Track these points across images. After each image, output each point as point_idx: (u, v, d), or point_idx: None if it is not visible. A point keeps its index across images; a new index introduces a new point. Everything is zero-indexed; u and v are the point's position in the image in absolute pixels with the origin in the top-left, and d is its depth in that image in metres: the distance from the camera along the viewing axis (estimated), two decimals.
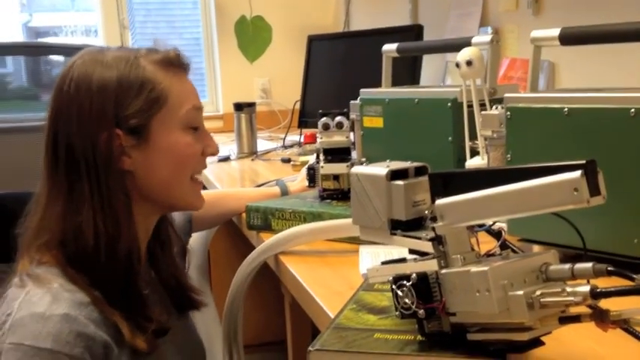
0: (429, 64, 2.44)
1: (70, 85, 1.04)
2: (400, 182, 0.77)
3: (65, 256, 1.00)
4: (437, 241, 0.72)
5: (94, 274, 0.99)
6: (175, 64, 1.10)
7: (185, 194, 1.12)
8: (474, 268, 0.67)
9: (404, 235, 0.77)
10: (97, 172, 1.02)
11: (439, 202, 0.72)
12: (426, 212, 0.75)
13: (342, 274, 1.11)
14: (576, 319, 0.64)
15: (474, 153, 1.33)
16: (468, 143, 1.34)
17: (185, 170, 1.10)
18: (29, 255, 1.02)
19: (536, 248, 1.07)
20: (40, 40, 4.12)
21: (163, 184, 1.08)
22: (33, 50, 2.93)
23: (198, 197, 1.15)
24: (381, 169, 0.78)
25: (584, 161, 0.62)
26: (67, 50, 2.58)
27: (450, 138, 1.40)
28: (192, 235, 1.77)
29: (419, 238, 0.75)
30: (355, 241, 1.22)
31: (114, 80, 1.03)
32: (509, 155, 1.10)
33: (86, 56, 1.06)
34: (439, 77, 2.53)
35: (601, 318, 0.63)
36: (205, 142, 1.13)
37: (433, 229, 0.72)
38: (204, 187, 2.23)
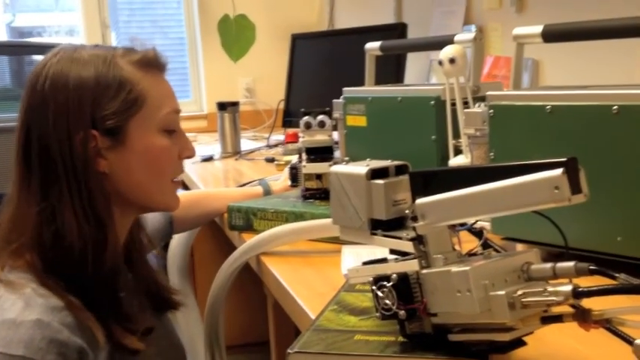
0: (414, 63, 2.44)
1: (44, 84, 1.01)
2: (380, 181, 0.76)
3: (41, 261, 0.97)
4: (418, 240, 0.71)
5: (74, 279, 0.97)
6: (154, 64, 1.08)
7: (165, 197, 1.10)
8: (454, 268, 0.66)
9: (384, 235, 0.75)
10: (76, 173, 0.99)
11: (420, 201, 0.70)
12: (407, 212, 0.74)
13: (324, 274, 1.10)
14: (558, 318, 0.64)
15: (458, 151, 1.32)
16: (451, 142, 1.33)
17: (163, 174, 1.08)
18: (1, 260, 0.99)
19: (519, 247, 1.06)
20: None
21: (140, 187, 1.06)
22: (16, 50, 2.89)
23: (175, 198, 1.13)
24: (360, 167, 0.77)
25: (565, 159, 0.61)
26: (51, 50, 2.55)
27: (433, 136, 1.39)
28: (174, 236, 1.76)
29: (399, 238, 0.73)
30: (338, 241, 1.20)
31: (91, 79, 1.01)
32: (492, 153, 1.09)
33: (61, 54, 1.04)
34: (423, 76, 2.53)
35: (583, 318, 0.62)
36: (182, 145, 1.11)
37: (414, 228, 0.71)
38: (187, 188, 2.22)
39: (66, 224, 0.98)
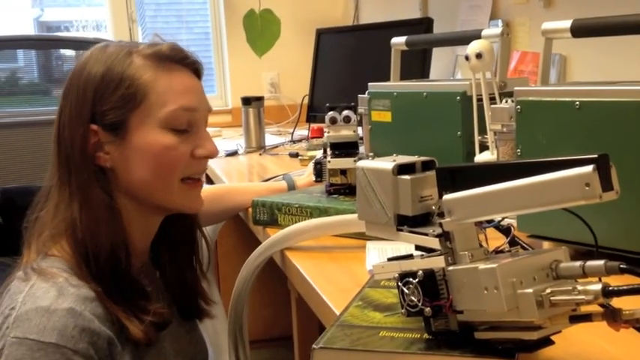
0: (439, 58, 2.42)
1: (70, 80, 1.05)
2: (407, 177, 0.75)
3: (71, 249, 1.00)
4: (444, 237, 0.71)
5: (90, 268, 0.99)
6: (169, 58, 1.05)
7: (174, 197, 1.07)
8: (482, 265, 0.65)
9: (410, 231, 0.75)
10: (78, 167, 1.02)
11: (447, 197, 0.70)
12: (433, 208, 0.74)
13: (348, 270, 1.10)
14: (587, 318, 0.63)
15: (484, 147, 1.31)
16: (477, 137, 1.32)
17: (169, 172, 1.05)
18: (36, 247, 1.01)
19: (545, 244, 1.05)
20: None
21: (145, 185, 1.05)
22: (44, 43, 2.92)
23: (192, 199, 1.10)
24: (387, 163, 0.77)
25: (596, 155, 0.60)
26: (78, 44, 2.57)
27: (459, 132, 1.38)
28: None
29: (426, 234, 0.73)
30: (362, 236, 1.20)
31: (99, 75, 1.02)
32: (519, 150, 1.08)
33: (92, 49, 1.06)
34: (449, 71, 2.51)
35: (613, 317, 0.61)
36: (197, 143, 1.07)
37: (440, 224, 0.70)
38: (211, 182, 2.22)
39: (72, 217, 1.00)
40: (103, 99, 1.02)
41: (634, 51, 1.66)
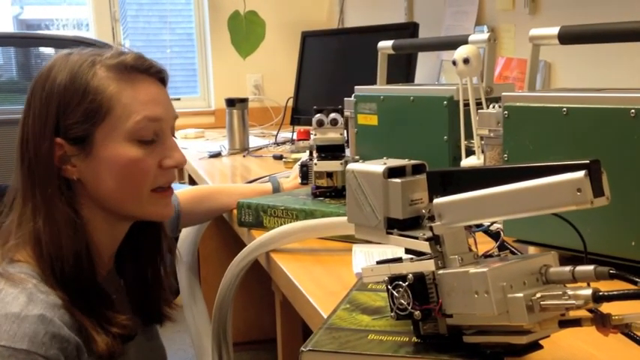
0: (424, 63, 2.43)
1: (33, 87, 1.03)
2: (397, 180, 0.75)
3: (36, 258, 0.99)
4: (434, 240, 0.71)
5: (56, 277, 0.98)
6: (132, 68, 1.04)
7: (144, 206, 1.07)
8: (472, 269, 0.65)
9: (400, 235, 0.75)
10: (42, 180, 1.01)
11: (437, 200, 0.70)
12: (424, 211, 0.73)
13: (335, 273, 1.09)
14: (577, 322, 0.63)
15: (470, 152, 1.31)
16: (463, 142, 1.33)
17: (137, 184, 1.05)
18: (1, 253, 1.00)
19: (531, 249, 1.05)
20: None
21: (113, 196, 1.04)
22: (23, 41, 2.89)
23: (162, 207, 1.09)
24: (378, 166, 0.77)
25: (587, 161, 0.60)
26: (58, 42, 2.55)
27: (445, 137, 1.38)
28: (183, 231, 1.75)
29: (416, 238, 0.73)
30: (348, 239, 1.20)
31: (62, 86, 1.01)
32: (505, 155, 1.08)
33: (55, 58, 1.04)
34: (433, 76, 2.52)
35: (602, 322, 0.61)
36: (164, 154, 1.06)
37: (431, 228, 0.70)
38: (194, 183, 2.22)
39: (36, 229, 0.99)
40: (67, 113, 1.00)
41: (618, 58, 1.68)
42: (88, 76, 1.01)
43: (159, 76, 1.08)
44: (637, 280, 0.62)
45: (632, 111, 0.92)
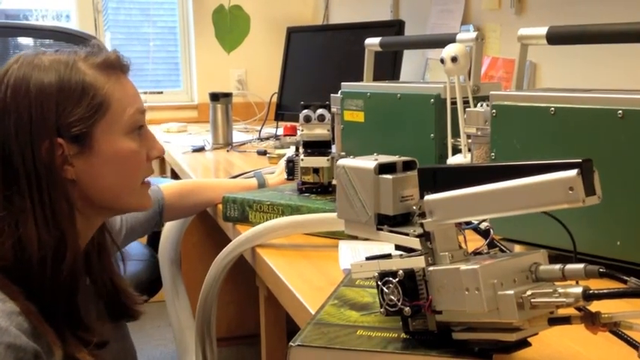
0: (409, 61, 2.43)
1: (6, 91, 0.99)
2: (388, 176, 0.75)
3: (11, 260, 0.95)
4: (425, 237, 0.71)
5: (33, 287, 0.95)
6: (116, 66, 1.06)
7: (135, 198, 1.09)
8: (463, 266, 0.65)
9: (390, 231, 0.75)
10: (39, 182, 0.98)
11: (429, 197, 0.70)
12: (414, 208, 0.74)
13: (321, 268, 1.09)
14: (566, 320, 0.63)
15: (456, 150, 1.32)
16: (450, 140, 1.33)
17: (133, 176, 1.08)
18: None
19: (517, 248, 1.06)
20: None
21: (110, 191, 1.05)
22: (1, 31, 2.85)
23: (147, 199, 1.13)
24: (369, 162, 0.76)
25: (579, 160, 0.61)
26: (38, 32, 2.51)
27: (432, 134, 1.38)
28: (166, 225, 1.74)
29: (406, 234, 0.73)
30: (334, 235, 1.20)
31: (54, 86, 0.99)
32: (493, 153, 1.09)
33: (22, 60, 1.01)
34: (419, 74, 2.53)
35: (592, 320, 0.62)
36: (149, 146, 1.10)
37: (421, 225, 0.71)
38: (177, 177, 2.20)
39: (27, 235, 0.96)
40: (66, 112, 0.98)
41: (603, 59, 1.69)
42: (79, 75, 1.00)
43: (129, 71, 1.11)
44: (626, 278, 0.62)
45: (620, 112, 0.92)
